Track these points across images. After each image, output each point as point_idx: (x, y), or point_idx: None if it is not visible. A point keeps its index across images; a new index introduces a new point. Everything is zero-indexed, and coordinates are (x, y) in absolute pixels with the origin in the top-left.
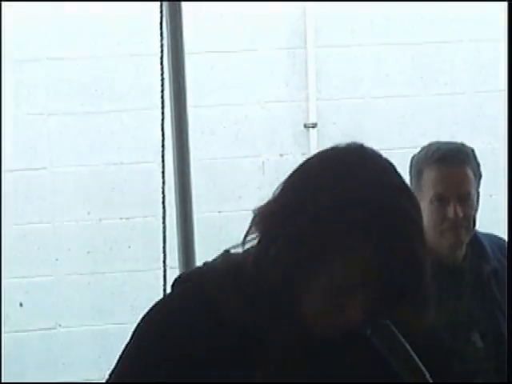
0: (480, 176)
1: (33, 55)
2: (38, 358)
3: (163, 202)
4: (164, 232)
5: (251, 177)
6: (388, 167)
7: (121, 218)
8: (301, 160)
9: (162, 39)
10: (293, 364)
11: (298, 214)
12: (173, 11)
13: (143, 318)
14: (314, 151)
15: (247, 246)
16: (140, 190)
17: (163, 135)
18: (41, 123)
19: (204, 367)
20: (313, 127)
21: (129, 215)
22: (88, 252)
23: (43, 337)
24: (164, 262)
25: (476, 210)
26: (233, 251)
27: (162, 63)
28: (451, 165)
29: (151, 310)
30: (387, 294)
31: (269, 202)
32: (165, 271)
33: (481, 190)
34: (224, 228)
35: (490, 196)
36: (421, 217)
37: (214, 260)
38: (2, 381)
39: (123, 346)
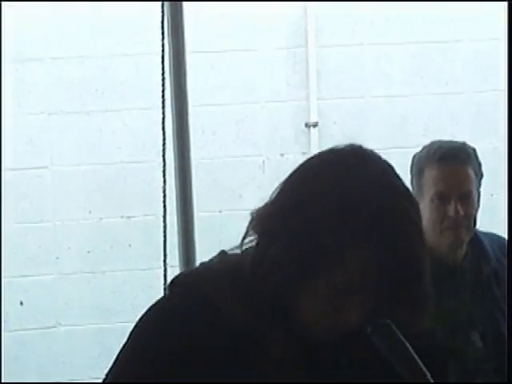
0: (481, 175)
1: (33, 55)
2: (38, 356)
3: (164, 201)
4: (165, 231)
5: (252, 176)
6: (387, 168)
7: (121, 217)
8: (302, 159)
9: (163, 39)
10: (292, 364)
11: (297, 215)
12: (174, 11)
13: (140, 318)
14: (314, 150)
15: (244, 248)
16: (141, 189)
17: (164, 134)
18: (41, 122)
19: (203, 367)
20: (314, 126)
21: (129, 214)
22: (88, 251)
23: (43, 336)
24: (164, 261)
25: (477, 209)
26: (230, 253)
27: (163, 63)
28: (452, 163)
29: (149, 310)
30: (387, 295)
31: (266, 205)
32: (165, 270)
33: (482, 189)
34: (224, 227)
35: (491, 195)
36: (420, 217)
37: (211, 260)
38: (2, 380)
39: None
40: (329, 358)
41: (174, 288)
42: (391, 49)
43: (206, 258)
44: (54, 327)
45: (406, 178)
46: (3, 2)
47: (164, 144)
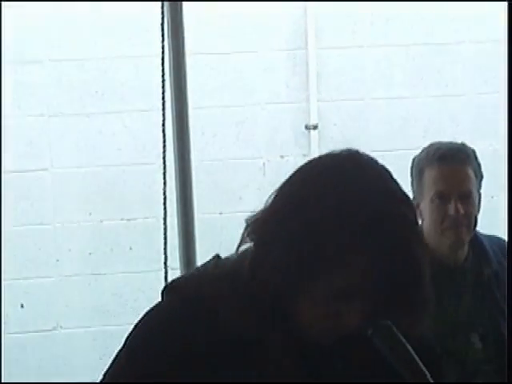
0: (481, 177)
1: (33, 56)
2: (38, 359)
3: (164, 203)
4: (165, 233)
5: (252, 178)
6: (384, 173)
7: (122, 219)
8: (302, 161)
9: (163, 40)
10: (291, 366)
11: (296, 218)
12: (174, 11)
13: (137, 324)
14: (314, 153)
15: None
16: (141, 191)
17: (164, 136)
18: (42, 124)
19: (201, 369)
20: (314, 129)
21: (130, 216)
22: (89, 253)
23: (44, 338)
24: (165, 263)
25: (477, 210)
26: (224, 257)
27: (162, 64)
28: (452, 163)
29: (145, 315)
30: (386, 298)
31: (261, 211)
32: (166, 272)
33: (482, 191)
34: (225, 229)
35: (492, 197)
36: (417, 222)
37: (205, 265)
38: (2, 381)
39: None
40: (328, 360)
41: (170, 293)
42: (391, 50)
43: (206, 260)
44: (55, 329)
45: (406, 180)
46: (3, 3)
47: (164, 146)
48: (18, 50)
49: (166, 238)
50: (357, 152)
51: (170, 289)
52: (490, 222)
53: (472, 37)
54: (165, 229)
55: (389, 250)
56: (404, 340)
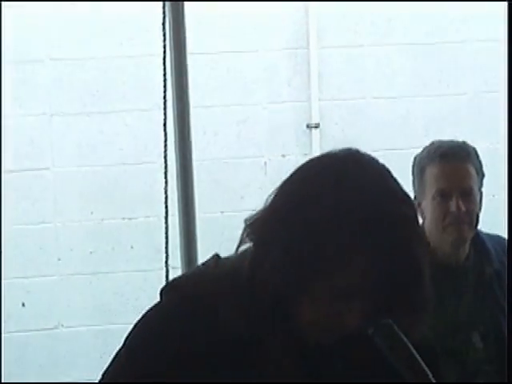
0: (483, 175)
1: (34, 56)
2: (39, 357)
3: (166, 203)
4: (166, 232)
5: (253, 177)
6: (384, 172)
7: (123, 219)
8: (303, 160)
9: (164, 39)
10: (292, 366)
11: (296, 218)
12: (175, 11)
13: (136, 323)
14: (316, 152)
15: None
16: (142, 190)
17: (165, 135)
18: (43, 124)
19: (201, 369)
20: (315, 128)
21: (131, 215)
22: (90, 252)
23: (45, 337)
24: (166, 262)
25: (479, 209)
26: (224, 256)
27: (164, 63)
28: (453, 161)
29: (145, 315)
30: (386, 298)
31: (261, 211)
32: (167, 271)
33: (483, 190)
34: (226, 228)
35: (493, 196)
36: (418, 221)
37: (205, 264)
38: (3, 381)
39: None
40: (328, 360)
41: (170, 292)
42: (392, 50)
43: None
44: (56, 328)
45: (407, 179)
46: (3, 2)
47: (166, 145)
48: (18, 50)
49: (167, 237)
50: (357, 151)
51: (169, 288)
52: (490, 221)
53: (472, 36)
54: (166, 228)
55: (389, 250)
56: (406, 339)
